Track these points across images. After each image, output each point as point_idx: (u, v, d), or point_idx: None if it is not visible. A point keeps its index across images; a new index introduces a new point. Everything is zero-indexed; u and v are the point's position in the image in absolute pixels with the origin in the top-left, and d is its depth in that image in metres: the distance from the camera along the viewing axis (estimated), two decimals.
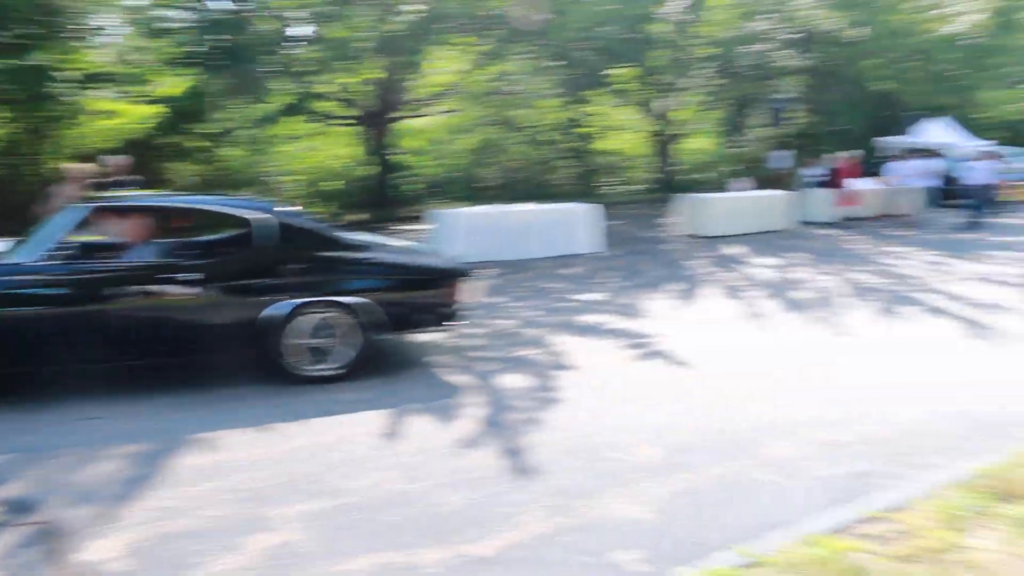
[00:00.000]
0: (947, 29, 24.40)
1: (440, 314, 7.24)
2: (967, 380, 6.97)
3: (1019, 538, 3.85)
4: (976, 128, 34.16)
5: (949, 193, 22.74)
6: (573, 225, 14.63)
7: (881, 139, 27.63)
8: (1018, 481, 4.45)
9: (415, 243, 9.51)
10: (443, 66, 25.09)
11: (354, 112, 23.50)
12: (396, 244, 7.94)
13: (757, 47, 24.54)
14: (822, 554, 3.72)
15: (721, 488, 4.69)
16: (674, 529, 4.17)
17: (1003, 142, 34.84)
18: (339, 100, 23.04)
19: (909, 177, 20.81)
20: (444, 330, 7.73)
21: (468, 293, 7.41)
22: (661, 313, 9.77)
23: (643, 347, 8.10)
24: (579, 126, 29.83)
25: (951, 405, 6.25)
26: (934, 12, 24.44)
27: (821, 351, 8.04)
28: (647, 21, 24.10)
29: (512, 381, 6.89)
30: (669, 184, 27.63)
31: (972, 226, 19.09)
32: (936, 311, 9.85)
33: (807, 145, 31.78)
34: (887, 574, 3.53)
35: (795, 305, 10.26)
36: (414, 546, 4.00)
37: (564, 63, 24.48)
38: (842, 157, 20.97)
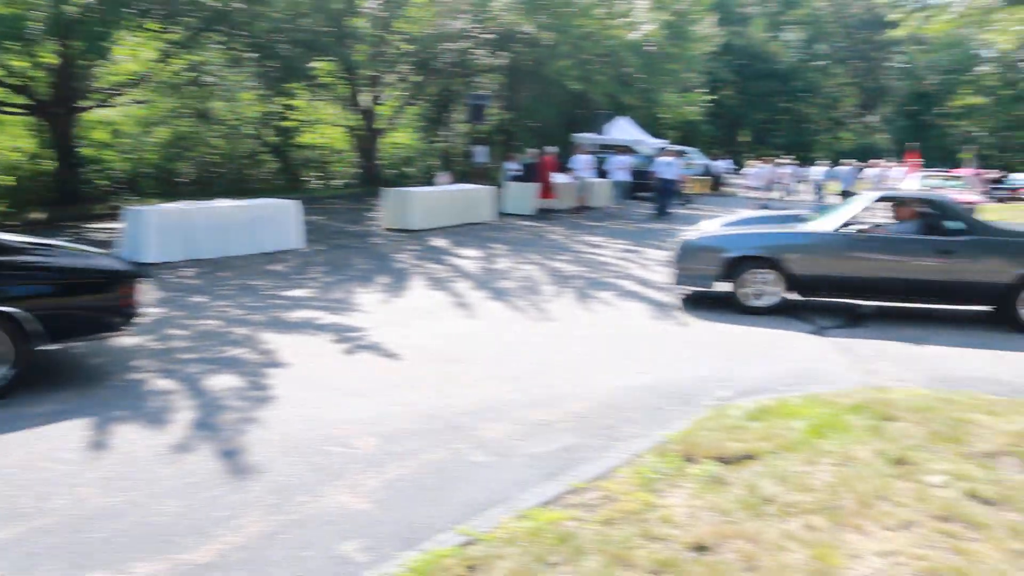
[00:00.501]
0: (631, 35, 26.51)
1: (112, 319, 6.65)
2: (655, 357, 7.70)
3: (702, 492, 4.34)
4: (658, 127, 37.36)
5: (639, 186, 24.88)
6: (277, 221, 14.26)
7: (577, 135, 29.53)
8: (700, 444, 5.00)
9: (87, 245, 8.71)
10: (132, 53, 23.39)
11: (28, 100, 21.18)
12: (65, 246, 7.20)
13: (455, 45, 25.24)
14: (535, 526, 3.96)
15: (438, 472, 4.84)
16: (394, 516, 4.25)
17: (678, 141, 38.54)
18: (9, 87, 20.66)
19: (589, 171, 22.52)
20: (120, 335, 7.14)
21: (142, 295, 6.95)
22: (370, 306, 9.83)
23: (354, 340, 8.11)
24: (282, 120, 29.08)
25: (642, 379, 6.88)
26: (620, 20, 26.44)
27: (525, 336, 8.51)
28: (349, 15, 23.96)
29: (223, 382, 6.63)
30: (373, 178, 27.71)
31: (660, 216, 21.06)
32: (627, 294, 10.81)
33: (507, 141, 33.23)
34: (594, 537, 3.83)
35: (499, 293, 10.75)
36: (126, 561, 3.76)
37: (261, 55, 23.74)
38: (540, 152, 22.19)
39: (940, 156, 46.53)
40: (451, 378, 6.84)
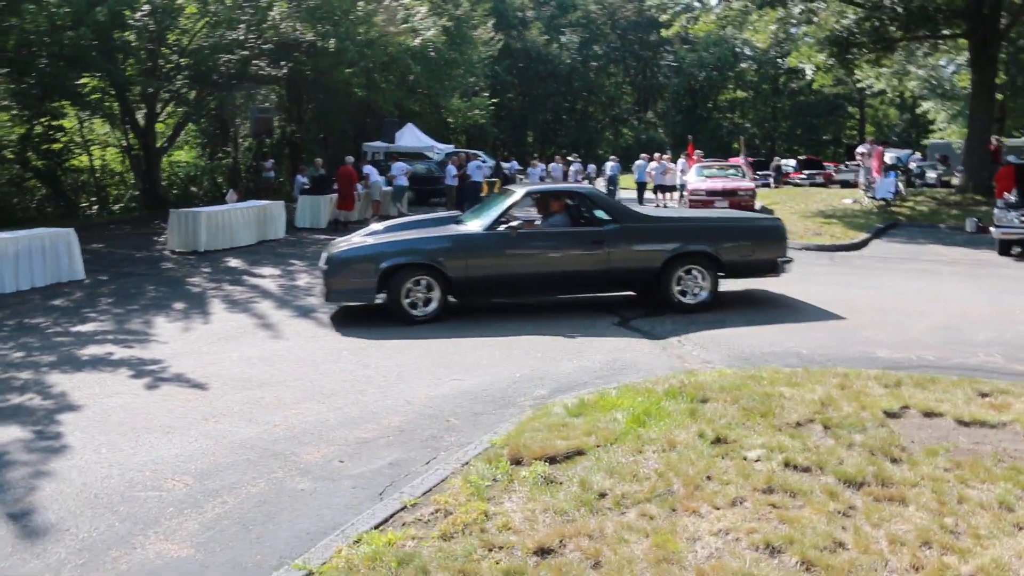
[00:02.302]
0: (414, 42, 26.47)
1: None
2: (468, 362, 7.67)
3: (537, 494, 4.32)
4: (447, 132, 37.53)
5: (433, 192, 24.96)
6: (52, 252, 13.09)
7: (367, 144, 29.20)
8: (527, 445, 4.99)
9: None
10: None
11: None
12: None
13: (233, 56, 24.27)
14: (374, 551, 3.77)
15: (261, 505, 4.55)
16: (220, 559, 3.94)
17: (466, 145, 38.94)
18: None
19: (402, 178, 22.50)
20: None
21: None
22: (167, 335, 9.21)
23: (154, 373, 7.55)
24: (49, 142, 26.87)
25: (458, 386, 6.82)
26: (403, 26, 26.34)
27: (333, 352, 8.23)
28: (116, 28, 22.46)
29: (6, 435, 5.97)
30: (156, 200, 26.17)
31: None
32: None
33: (294, 153, 32.37)
34: (436, 555, 3.72)
35: (303, 311, 10.38)
36: None
37: (14, 70, 21.79)
38: (322, 162, 21.78)
39: (715, 147, 49.65)
40: (262, 404, 6.49)
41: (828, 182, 36.30)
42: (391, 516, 4.19)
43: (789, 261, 10.40)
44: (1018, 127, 34.78)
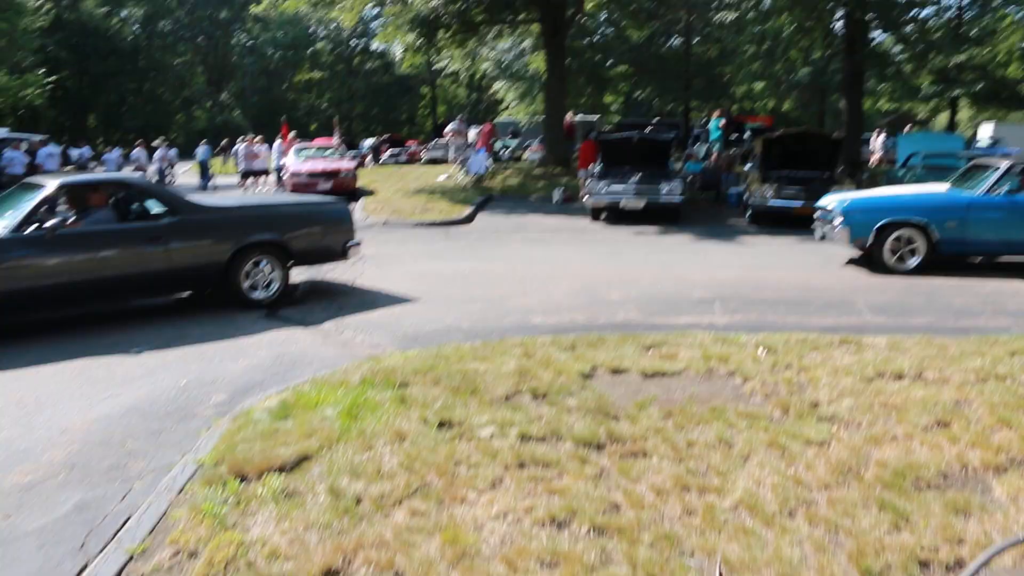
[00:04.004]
0: None
1: None
2: (118, 375, 6.72)
3: (287, 511, 3.88)
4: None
5: None
6: None
7: None
8: (247, 459, 4.47)
9: None
10: None
11: None
12: None
13: None
14: None
15: None
16: None
17: (19, 128, 34.46)
18: None
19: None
20: None
21: None
22: None
23: None
24: None
25: (118, 404, 5.92)
26: None
27: None
28: None
29: None
30: None
31: None
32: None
33: None
34: None
35: None
36: None
37: None
38: None
39: (295, 128, 49.10)
40: None
41: (412, 160, 37.59)
42: (121, 572, 3.49)
43: (358, 244, 10.14)
44: (574, 106, 38.62)
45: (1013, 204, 10.70)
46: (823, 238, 11.85)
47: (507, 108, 42.53)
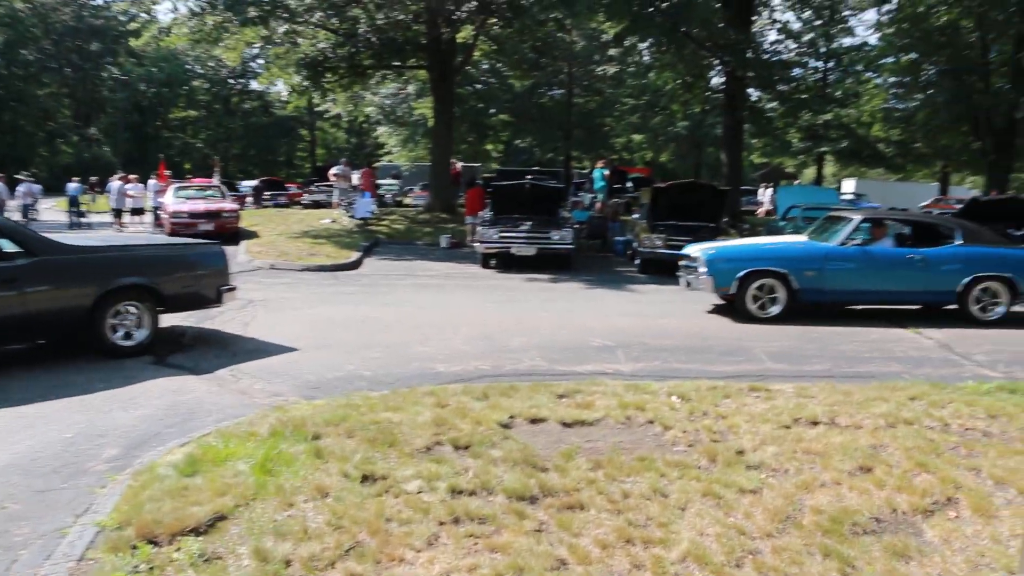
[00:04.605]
0: None
1: None
2: (6, 430, 6.17)
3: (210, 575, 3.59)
4: None
5: None
6: None
7: None
8: (157, 521, 4.13)
9: None
10: None
11: None
12: None
13: None
14: None
15: None
16: None
17: None
18: None
19: None
20: None
21: None
22: None
23: None
24: None
25: None
26: None
27: None
28: None
29: None
30: None
31: None
32: None
33: None
34: None
35: None
36: None
37: None
38: None
39: (168, 167, 47.50)
40: None
41: (293, 203, 36.75)
42: None
43: (233, 289, 9.73)
44: (455, 152, 38.84)
45: (866, 255, 11.28)
46: (688, 286, 12.13)
47: (388, 153, 42.39)
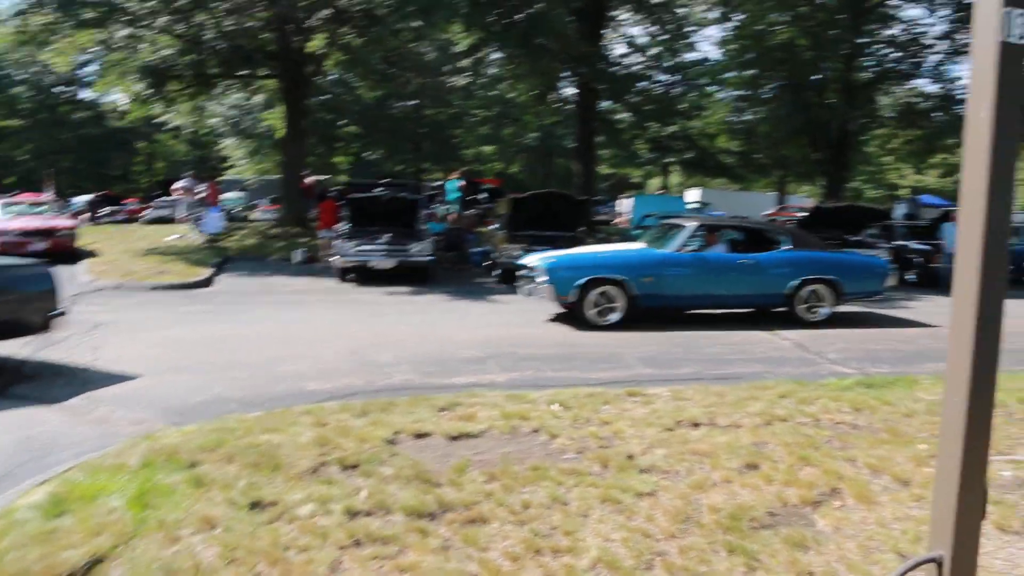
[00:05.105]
0: None
1: None
2: None
3: None
4: None
5: None
6: None
7: None
8: (17, 573, 3.80)
9: None
10: None
11: None
12: None
13: None
14: None
15: None
16: None
17: None
18: None
19: None
20: None
21: None
22: None
23: None
24: None
25: None
26: None
27: None
28: None
29: None
30: None
31: None
32: None
33: None
34: None
35: None
36: None
37: None
38: None
39: None
40: None
41: (132, 219, 34.94)
42: None
43: (63, 314, 8.93)
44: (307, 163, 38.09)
45: (700, 261, 11.80)
46: (529, 295, 12.28)
47: (233, 167, 41.09)
